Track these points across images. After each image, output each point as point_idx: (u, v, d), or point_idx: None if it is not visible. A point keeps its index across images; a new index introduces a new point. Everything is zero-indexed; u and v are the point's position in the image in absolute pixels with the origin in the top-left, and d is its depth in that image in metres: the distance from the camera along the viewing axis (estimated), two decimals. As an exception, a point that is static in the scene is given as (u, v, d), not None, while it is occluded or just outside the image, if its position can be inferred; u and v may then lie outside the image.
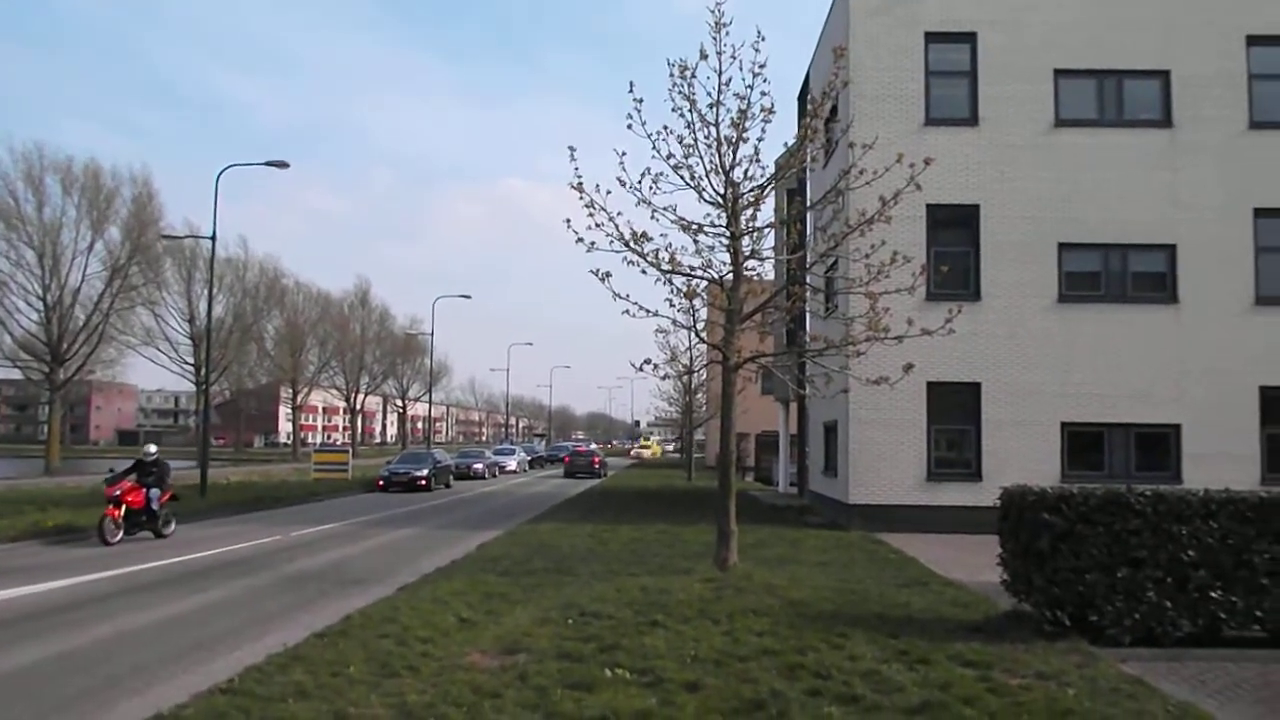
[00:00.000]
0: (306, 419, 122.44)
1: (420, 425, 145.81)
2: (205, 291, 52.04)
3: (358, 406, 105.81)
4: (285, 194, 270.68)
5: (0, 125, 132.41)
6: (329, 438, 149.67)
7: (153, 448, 21.40)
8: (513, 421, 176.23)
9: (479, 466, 49.64)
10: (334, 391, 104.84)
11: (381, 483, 38.56)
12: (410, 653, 8.90)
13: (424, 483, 38.65)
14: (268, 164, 32.72)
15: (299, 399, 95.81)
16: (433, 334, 69.42)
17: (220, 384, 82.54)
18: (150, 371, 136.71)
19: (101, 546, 18.65)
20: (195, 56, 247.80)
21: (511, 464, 56.21)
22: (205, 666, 8.88)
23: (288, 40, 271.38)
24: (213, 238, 33.87)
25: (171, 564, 16.49)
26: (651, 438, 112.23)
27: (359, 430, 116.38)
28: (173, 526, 20.95)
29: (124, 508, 19.40)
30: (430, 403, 75.70)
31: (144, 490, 19.93)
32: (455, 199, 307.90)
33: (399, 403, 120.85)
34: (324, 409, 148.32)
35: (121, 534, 19.27)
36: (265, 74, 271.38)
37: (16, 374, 66.50)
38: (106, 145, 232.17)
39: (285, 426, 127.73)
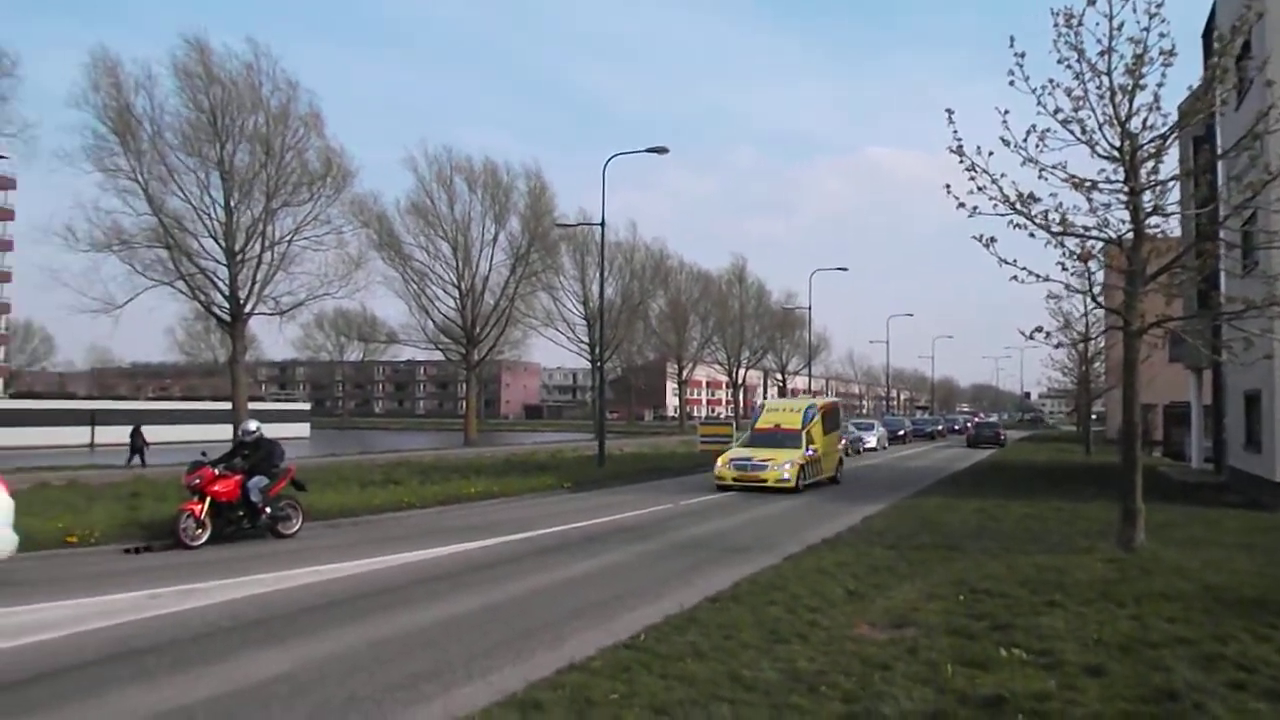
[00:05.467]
0: (691, 393, 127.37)
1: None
2: (598, 275, 55.21)
3: (739, 380, 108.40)
4: (659, 178, 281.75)
5: (414, 134, 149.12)
6: (713, 411, 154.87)
7: (253, 424, 16.57)
8: (893, 394, 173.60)
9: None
10: (716, 366, 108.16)
11: None
12: (799, 621, 9.08)
13: None
14: (649, 150, 34.27)
15: (684, 374, 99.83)
16: (810, 307, 69.65)
17: (612, 361, 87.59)
18: (550, 350, 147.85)
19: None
20: (575, 57, 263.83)
21: (870, 440, 53.35)
22: (608, 624, 9.51)
23: (651, 31, 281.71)
24: (602, 224, 36.27)
25: (569, 529, 17.75)
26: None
27: (740, 403, 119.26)
28: (296, 523, 16.24)
29: (209, 501, 15.03)
30: (809, 376, 76.17)
31: (237, 478, 15.47)
32: (819, 171, 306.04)
33: (779, 376, 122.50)
34: (707, 383, 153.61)
35: (207, 535, 14.90)
36: (633, 66, 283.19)
37: (438, 355, 74.04)
38: (504, 145, 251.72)
39: (672, 400, 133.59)
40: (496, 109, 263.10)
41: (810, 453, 27.19)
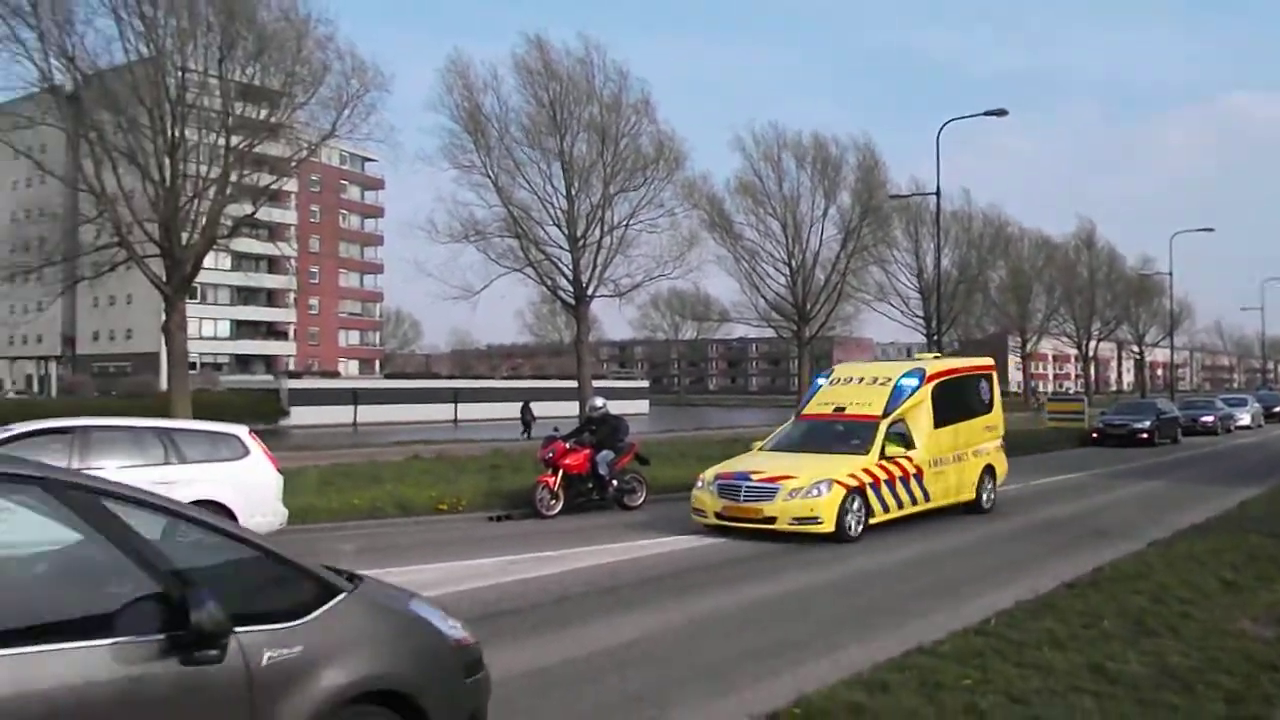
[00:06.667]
0: (1036, 367, 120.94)
1: (1161, 372, 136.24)
2: (932, 246, 53.65)
3: (1089, 353, 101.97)
4: (995, 141, 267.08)
5: (741, 114, 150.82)
6: (1060, 386, 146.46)
7: (600, 401, 17.89)
8: (1270, 366, 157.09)
9: (1208, 419, 43.21)
10: (1063, 339, 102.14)
11: (1096, 434, 35.28)
12: (1168, 612, 8.39)
13: (1145, 435, 34.33)
14: (986, 114, 32.55)
15: (1027, 347, 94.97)
16: (1171, 273, 64.00)
17: (949, 335, 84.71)
18: (883, 325, 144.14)
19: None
20: (903, 21, 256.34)
21: (1244, 417, 47.47)
22: (954, 607, 9.19)
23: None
24: (937, 193, 35.03)
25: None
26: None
27: (1092, 378, 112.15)
28: (641, 496, 16.89)
29: (561, 474, 15.98)
30: (1171, 348, 70.52)
31: (586, 452, 16.40)
32: (1172, 123, 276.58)
33: (1134, 348, 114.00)
34: (1054, 357, 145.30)
35: (561, 505, 15.86)
36: (964, 25, 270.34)
37: (770, 332, 74.60)
38: (830, 117, 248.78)
39: (1014, 375, 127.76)
40: (821, 81, 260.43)
41: (884, 463, 14.27)
